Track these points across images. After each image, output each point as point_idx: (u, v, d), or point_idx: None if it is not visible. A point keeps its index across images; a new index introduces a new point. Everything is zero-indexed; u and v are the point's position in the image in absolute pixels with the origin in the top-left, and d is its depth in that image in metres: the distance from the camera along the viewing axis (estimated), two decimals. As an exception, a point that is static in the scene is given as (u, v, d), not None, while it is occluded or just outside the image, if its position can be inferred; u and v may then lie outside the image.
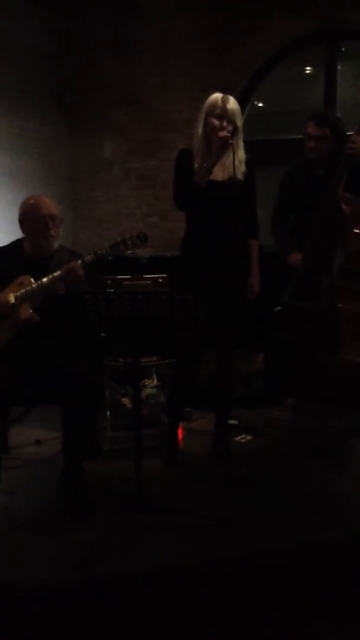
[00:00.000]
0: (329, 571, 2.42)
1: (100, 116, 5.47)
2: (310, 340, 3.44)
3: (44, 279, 2.87)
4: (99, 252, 2.90)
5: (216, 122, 3.10)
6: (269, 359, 4.33)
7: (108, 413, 3.65)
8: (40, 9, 5.08)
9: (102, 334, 3.48)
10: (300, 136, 3.62)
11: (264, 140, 5.17)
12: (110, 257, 2.95)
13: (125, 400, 3.74)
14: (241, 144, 3.20)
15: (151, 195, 5.45)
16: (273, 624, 2.11)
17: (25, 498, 3.02)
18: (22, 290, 2.88)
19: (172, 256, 4.29)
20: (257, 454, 3.51)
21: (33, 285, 2.88)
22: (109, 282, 2.65)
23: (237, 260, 3.27)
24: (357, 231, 3.27)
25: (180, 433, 3.62)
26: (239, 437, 3.70)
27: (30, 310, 2.85)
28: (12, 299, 2.87)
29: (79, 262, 2.86)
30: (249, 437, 3.70)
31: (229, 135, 3.06)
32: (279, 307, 3.64)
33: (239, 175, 3.18)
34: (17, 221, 3.02)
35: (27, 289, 2.88)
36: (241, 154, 3.20)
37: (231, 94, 3.27)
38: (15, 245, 3.10)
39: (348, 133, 3.42)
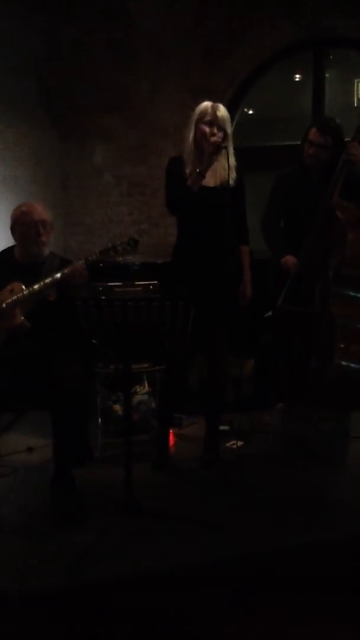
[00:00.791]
0: (322, 573, 2.43)
1: (91, 123, 5.49)
2: (302, 345, 3.46)
3: (35, 286, 2.87)
4: (90, 258, 2.91)
5: (206, 129, 3.13)
6: (260, 364, 4.34)
7: (99, 419, 3.65)
8: (32, 15, 5.10)
9: (93, 341, 3.49)
10: (291, 142, 3.66)
11: (253, 146, 5.20)
12: (101, 264, 2.96)
13: (117, 407, 3.74)
14: (231, 151, 3.23)
15: (142, 202, 5.47)
16: (267, 626, 2.12)
17: (16, 504, 3.01)
18: (13, 297, 2.88)
19: (162, 262, 4.30)
20: (248, 458, 3.52)
21: (24, 292, 2.88)
22: (100, 288, 2.66)
23: (227, 265, 3.29)
24: (352, 237, 3.28)
25: (171, 439, 3.62)
26: (229, 443, 3.71)
27: (21, 317, 2.86)
28: (3, 305, 2.87)
29: (82, 262, 2.87)
30: (240, 443, 3.71)
31: (220, 140, 3.09)
32: (269, 313, 3.67)
33: (230, 182, 3.21)
34: (8, 228, 3.03)
35: (18, 295, 2.88)
36: (232, 161, 3.23)
37: (221, 101, 3.31)
38: (6, 252, 3.11)
39: (346, 140, 3.45)
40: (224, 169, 3.19)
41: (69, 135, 5.57)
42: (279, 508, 2.89)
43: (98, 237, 5.53)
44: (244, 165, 3.31)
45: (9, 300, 2.88)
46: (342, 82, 5.36)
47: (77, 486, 2.88)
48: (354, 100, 5.20)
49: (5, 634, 2.12)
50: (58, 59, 5.45)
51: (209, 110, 3.15)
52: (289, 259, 3.52)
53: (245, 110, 5.44)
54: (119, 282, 2.69)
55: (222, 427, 3.61)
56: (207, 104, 3.19)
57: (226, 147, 3.12)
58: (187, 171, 3.19)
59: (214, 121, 3.13)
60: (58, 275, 2.87)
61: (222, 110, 3.16)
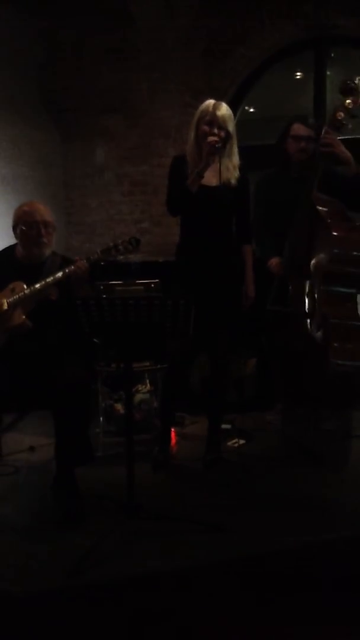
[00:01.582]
0: (323, 573, 2.42)
1: (92, 122, 5.49)
2: (296, 345, 3.42)
3: (37, 285, 2.87)
4: (91, 257, 2.90)
5: (207, 129, 3.12)
6: (262, 363, 4.34)
7: (101, 419, 3.65)
8: (32, 16, 5.10)
9: (95, 340, 3.48)
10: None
11: (254, 145, 5.19)
12: (102, 263, 2.96)
13: (118, 406, 3.74)
14: (235, 150, 3.22)
15: (143, 201, 5.46)
16: (268, 626, 2.12)
17: (18, 504, 3.01)
18: (14, 297, 2.88)
19: (164, 261, 4.30)
20: (250, 458, 3.51)
21: (25, 291, 2.88)
22: (101, 287, 2.65)
23: (229, 265, 3.29)
24: (336, 234, 3.23)
25: (172, 438, 3.62)
26: (231, 442, 3.71)
27: (23, 317, 2.85)
28: (4, 305, 2.87)
29: (84, 260, 2.87)
30: (242, 442, 3.71)
31: (217, 140, 3.08)
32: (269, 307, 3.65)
33: (233, 181, 3.20)
34: (10, 227, 3.03)
35: (20, 295, 2.88)
36: (235, 160, 3.22)
37: (222, 100, 3.30)
38: (8, 251, 3.10)
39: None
40: (226, 168, 3.19)
41: (70, 135, 5.57)
42: (280, 508, 2.89)
43: (99, 237, 5.53)
44: (246, 164, 3.30)
45: (11, 300, 2.87)
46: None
47: (78, 486, 2.88)
48: (355, 98, 5.17)
49: (6, 635, 2.12)
50: (59, 59, 5.45)
51: (210, 109, 3.14)
52: (273, 261, 3.51)
53: (247, 108, 5.43)
54: (120, 281, 2.68)
55: (224, 426, 3.62)
56: (208, 102, 3.17)
57: (224, 147, 3.10)
58: (190, 171, 3.18)
59: (214, 120, 3.12)
60: (60, 274, 2.87)
61: (222, 109, 3.14)
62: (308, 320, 3.29)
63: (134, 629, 2.14)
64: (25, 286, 2.89)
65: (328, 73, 5.17)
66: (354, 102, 3.25)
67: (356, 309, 3.37)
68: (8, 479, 3.26)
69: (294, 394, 3.53)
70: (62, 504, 2.83)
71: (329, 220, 3.25)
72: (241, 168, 3.26)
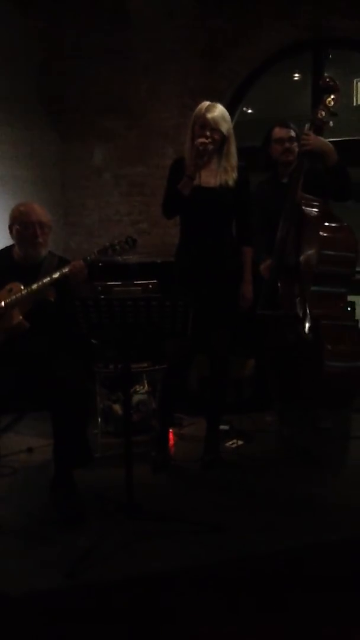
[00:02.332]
0: (322, 573, 2.42)
1: (90, 123, 5.48)
2: (289, 346, 3.41)
3: (34, 286, 2.86)
4: (88, 258, 2.90)
5: (199, 131, 3.12)
6: (260, 364, 4.33)
7: (99, 420, 3.64)
8: (31, 16, 5.10)
9: (93, 340, 3.48)
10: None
11: (252, 146, 5.20)
12: (100, 264, 2.95)
13: (116, 407, 3.73)
14: (232, 150, 3.21)
15: (141, 202, 5.46)
16: (267, 626, 2.12)
17: (17, 505, 3.00)
18: (11, 297, 2.88)
19: (162, 262, 4.30)
20: (248, 459, 3.52)
21: (22, 292, 2.87)
22: (99, 288, 2.65)
23: (227, 266, 3.28)
24: (323, 234, 3.23)
25: (171, 439, 3.62)
26: (230, 442, 3.71)
27: (20, 317, 2.85)
28: (1, 305, 2.86)
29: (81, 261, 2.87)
30: (240, 442, 3.71)
31: (204, 142, 3.07)
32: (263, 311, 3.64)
33: (230, 182, 3.19)
34: (6, 227, 3.02)
35: (17, 295, 2.87)
36: (233, 161, 3.21)
37: (220, 101, 3.29)
38: (5, 251, 3.10)
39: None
40: (224, 169, 3.18)
41: (68, 135, 5.57)
42: (279, 508, 2.89)
43: (97, 237, 5.52)
44: (246, 165, 3.30)
45: (8, 301, 2.87)
46: (341, 82, 5.34)
47: (77, 487, 2.87)
48: (353, 100, 5.19)
49: (5, 636, 2.12)
50: (57, 60, 5.44)
51: (202, 111, 3.13)
52: (263, 265, 3.49)
53: (245, 109, 5.44)
54: (118, 281, 2.68)
55: (222, 427, 3.61)
56: (202, 105, 3.16)
57: (221, 148, 3.09)
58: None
59: (205, 123, 3.10)
60: (57, 274, 2.86)
61: (213, 111, 3.11)
62: (300, 323, 3.28)
63: (133, 629, 2.14)
64: (22, 287, 2.89)
65: (326, 74, 5.17)
66: (334, 100, 3.27)
67: (346, 308, 3.37)
68: (6, 480, 3.25)
69: (289, 395, 3.52)
70: (61, 505, 2.82)
71: (315, 221, 3.25)
72: (241, 169, 3.25)
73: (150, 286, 2.65)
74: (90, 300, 2.57)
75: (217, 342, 3.34)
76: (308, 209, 3.29)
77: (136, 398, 3.75)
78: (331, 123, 3.32)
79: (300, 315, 3.27)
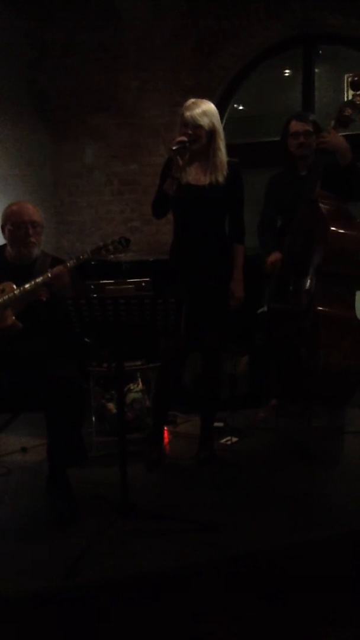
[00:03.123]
0: (318, 572, 2.43)
1: (81, 121, 5.48)
2: (293, 342, 3.44)
3: (26, 286, 2.85)
4: (81, 257, 2.89)
5: (182, 130, 3.11)
6: (254, 361, 4.34)
7: (93, 418, 3.64)
8: (21, 15, 5.08)
9: (86, 340, 3.47)
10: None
11: (243, 143, 5.20)
12: (93, 262, 2.95)
13: (111, 406, 3.73)
14: (220, 146, 3.18)
15: (133, 200, 5.46)
16: (266, 625, 2.12)
17: (11, 506, 2.99)
18: (4, 297, 2.87)
19: (154, 260, 4.30)
20: (243, 455, 3.52)
21: (15, 292, 2.86)
22: (92, 287, 2.64)
23: (218, 264, 3.27)
24: (334, 229, 3.23)
25: (165, 437, 3.62)
26: (224, 440, 3.71)
27: (13, 317, 2.84)
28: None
29: (72, 262, 2.86)
30: (235, 439, 3.71)
31: (184, 139, 3.06)
32: (263, 309, 3.65)
33: (220, 179, 3.18)
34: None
35: (10, 295, 2.86)
36: (221, 157, 3.19)
37: (211, 98, 3.29)
38: (-4, 251, 3.09)
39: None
40: (213, 166, 3.18)
41: (59, 134, 5.56)
42: (274, 505, 2.89)
43: (89, 236, 5.52)
44: (239, 162, 3.29)
45: (1, 301, 2.86)
46: (331, 78, 5.37)
47: (71, 486, 2.87)
48: (343, 95, 5.19)
49: (4, 635, 2.11)
50: (47, 59, 5.43)
51: (182, 110, 3.14)
52: (273, 256, 3.51)
53: (236, 106, 5.44)
54: (111, 280, 2.67)
55: (216, 424, 3.61)
56: (185, 103, 3.16)
57: (208, 147, 3.09)
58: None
59: (186, 121, 3.10)
60: (49, 274, 2.85)
61: (193, 108, 3.09)
62: (306, 318, 3.29)
63: (130, 629, 2.14)
64: (15, 287, 2.88)
65: (316, 70, 5.19)
66: None
67: (352, 307, 3.38)
68: (0, 480, 3.25)
69: (290, 390, 3.53)
70: (56, 505, 2.82)
71: (329, 217, 3.25)
72: (233, 165, 3.23)
73: (143, 284, 2.64)
74: (83, 299, 2.56)
75: (210, 340, 3.34)
76: (323, 205, 3.29)
77: (130, 396, 3.74)
78: (357, 120, 3.34)
79: (307, 310, 3.28)
